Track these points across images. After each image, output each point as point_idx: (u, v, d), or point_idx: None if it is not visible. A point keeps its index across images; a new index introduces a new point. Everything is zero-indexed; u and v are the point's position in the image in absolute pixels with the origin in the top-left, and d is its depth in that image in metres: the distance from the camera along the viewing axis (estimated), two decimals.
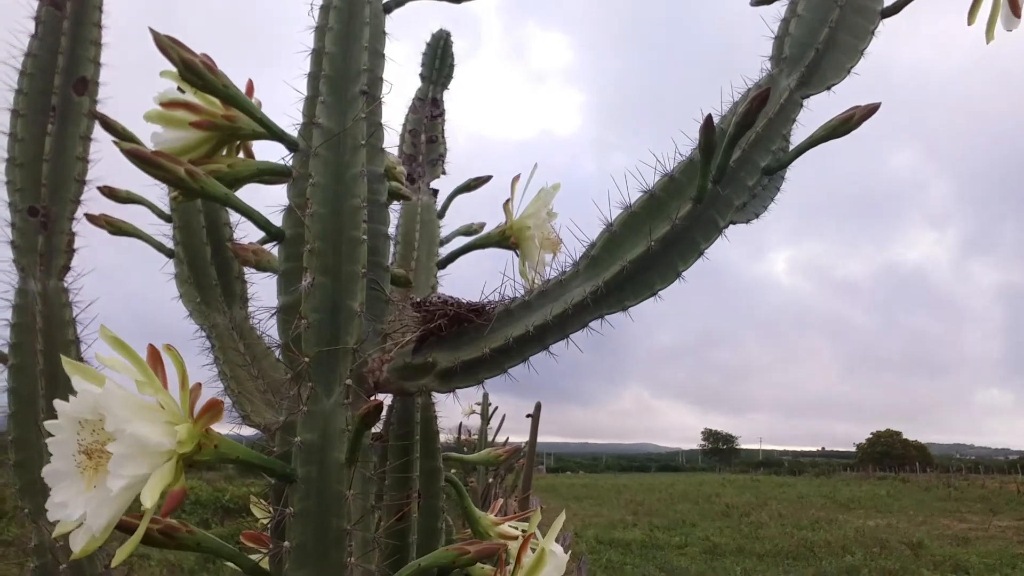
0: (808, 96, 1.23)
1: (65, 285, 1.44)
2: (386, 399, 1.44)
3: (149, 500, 0.72)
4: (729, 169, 1.14)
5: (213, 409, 0.82)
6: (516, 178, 1.51)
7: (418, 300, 1.09)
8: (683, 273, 1.14)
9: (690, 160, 1.16)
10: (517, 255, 1.52)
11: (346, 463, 1.01)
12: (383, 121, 1.17)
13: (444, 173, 1.88)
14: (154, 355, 0.84)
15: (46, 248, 1.42)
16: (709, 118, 1.03)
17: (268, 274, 1.27)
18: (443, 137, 1.94)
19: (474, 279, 1.28)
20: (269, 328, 1.30)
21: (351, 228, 1.06)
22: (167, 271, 1.45)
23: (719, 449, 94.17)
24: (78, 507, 0.76)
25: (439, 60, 2.01)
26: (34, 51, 1.51)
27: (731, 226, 1.27)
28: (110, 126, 1.35)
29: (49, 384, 1.30)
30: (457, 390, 1.10)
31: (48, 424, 0.81)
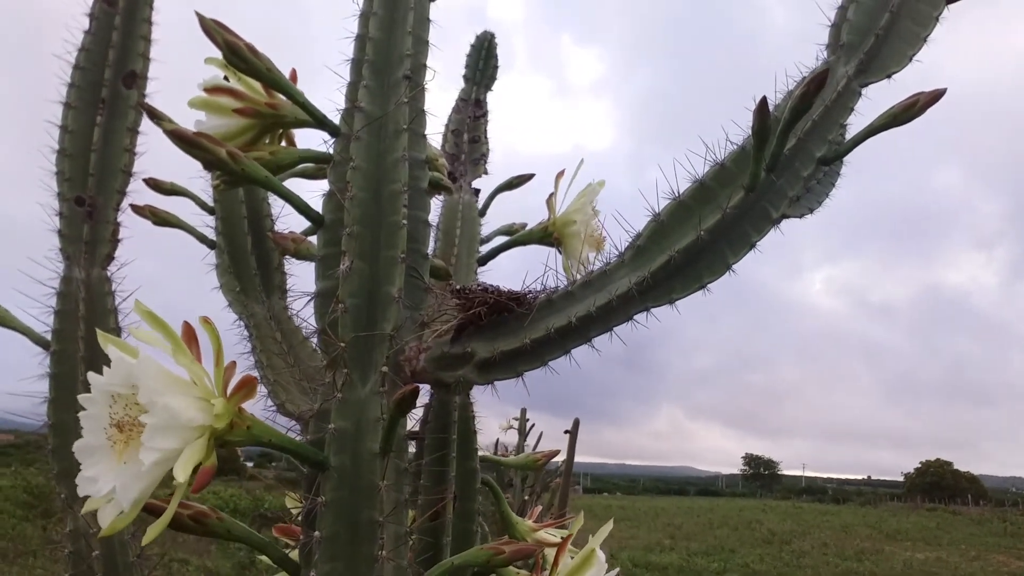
0: (867, 84, 1.17)
1: (108, 274, 1.45)
2: (423, 392, 1.42)
3: (182, 474, 0.70)
4: (783, 157, 1.09)
5: (247, 386, 0.80)
6: (561, 173, 1.47)
7: (458, 287, 1.06)
8: (733, 266, 1.09)
9: (742, 149, 1.12)
10: (560, 252, 1.49)
11: (380, 453, 0.98)
12: (425, 108, 1.15)
13: (486, 173, 1.87)
14: (189, 332, 0.83)
15: (91, 237, 1.43)
16: (764, 100, 0.99)
17: (307, 265, 1.27)
18: (486, 137, 1.92)
19: (514, 276, 1.25)
20: (307, 318, 1.29)
21: (391, 213, 1.04)
22: (208, 262, 1.46)
23: (760, 474, 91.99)
24: (108, 481, 0.75)
25: (483, 61, 2.01)
26: (87, 46, 1.53)
27: (784, 220, 1.22)
28: (155, 115, 1.36)
29: (90, 371, 1.31)
30: (496, 382, 1.07)
31: (81, 398, 0.80)
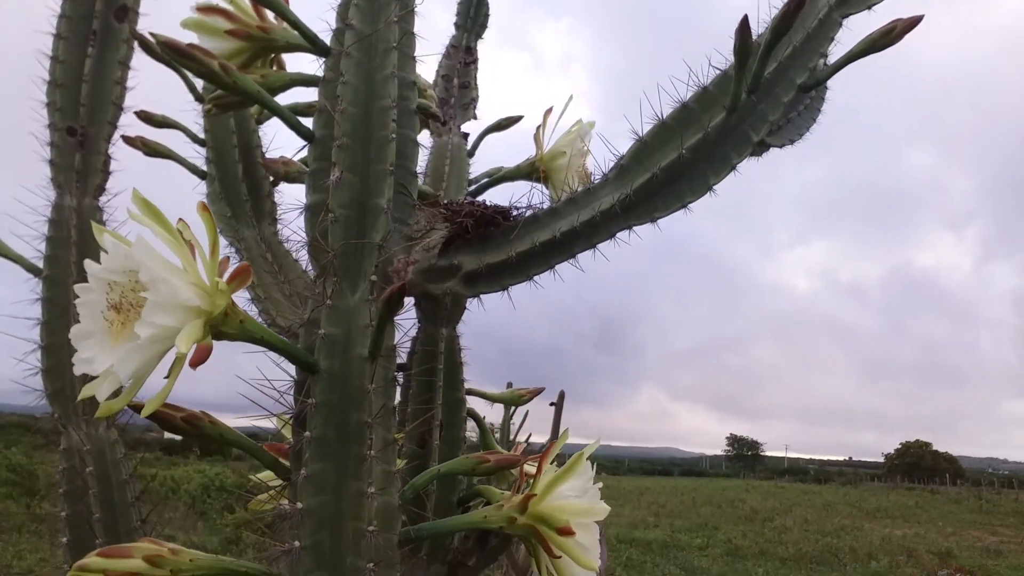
0: (848, 15, 1.20)
1: (100, 204, 1.46)
2: (411, 324, 1.45)
3: (184, 345, 0.72)
4: (764, 81, 1.12)
5: (242, 275, 0.82)
6: (549, 110, 1.50)
7: (446, 201, 1.09)
8: (714, 187, 1.13)
9: (724, 74, 1.15)
10: (546, 188, 1.51)
11: (369, 358, 1.01)
12: (415, 30, 1.17)
13: (475, 118, 1.89)
14: (182, 224, 0.85)
15: (82, 167, 1.44)
16: (745, 19, 1.01)
17: (296, 205, 1.28)
18: (475, 83, 1.94)
19: None
20: (296, 244, 1.31)
21: (380, 128, 1.06)
22: (199, 192, 1.48)
23: (743, 455, 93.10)
24: (105, 360, 0.77)
25: (474, 9, 2.02)
26: None
27: (766, 148, 1.26)
28: (147, 45, 1.37)
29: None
30: (481, 295, 1.10)
31: (78, 287, 0.83)
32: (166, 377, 0.81)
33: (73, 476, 1.28)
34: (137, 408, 0.83)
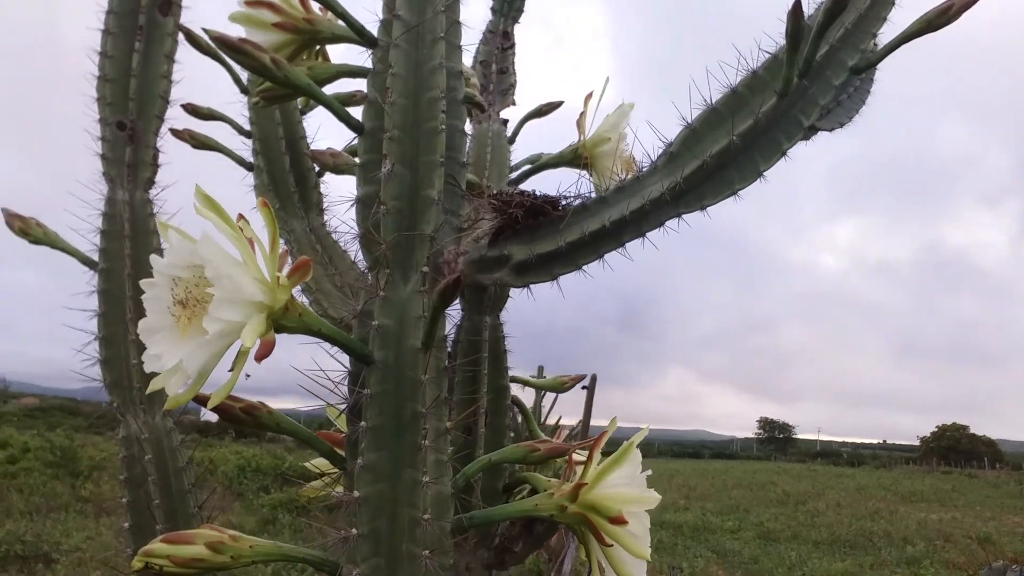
0: None
1: (150, 197, 1.49)
2: (455, 313, 1.45)
3: (249, 339, 0.74)
4: (815, 64, 1.10)
5: (302, 268, 0.83)
6: (589, 95, 1.49)
7: (495, 191, 1.09)
8: (764, 173, 1.11)
9: (774, 57, 1.13)
10: (590, 175, 1.51)
11: (422, 349, 1.02)
12: (461, 20, 1.17)
13: (514, 103, 1.88)
14: (242, 220, 0.86)
15: (133, 160, 1.47)
16: (798, 1, 1.00)
17: (344, 197, 1.29)
18: (513, 68, 1.93)
19: None
20: (345, 236, 1.33)
21: (429, 119, 1.07)
22: (247, 183, 1.50)
23: (775, 438, 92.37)
24: (174, 356, 0.79)
25: None
26: None
27: (816, 132, 1.24)
28: (191, 38, 1.39)
29: (135, 287, 1.36)
30: (531, 285, 1.10)
31: (144, 282, 0.84)
32: (230, 370, 0.83)
33: (132, 464, 1.32)
34: (203, 401, 0.86)
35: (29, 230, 1.45)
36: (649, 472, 1.17)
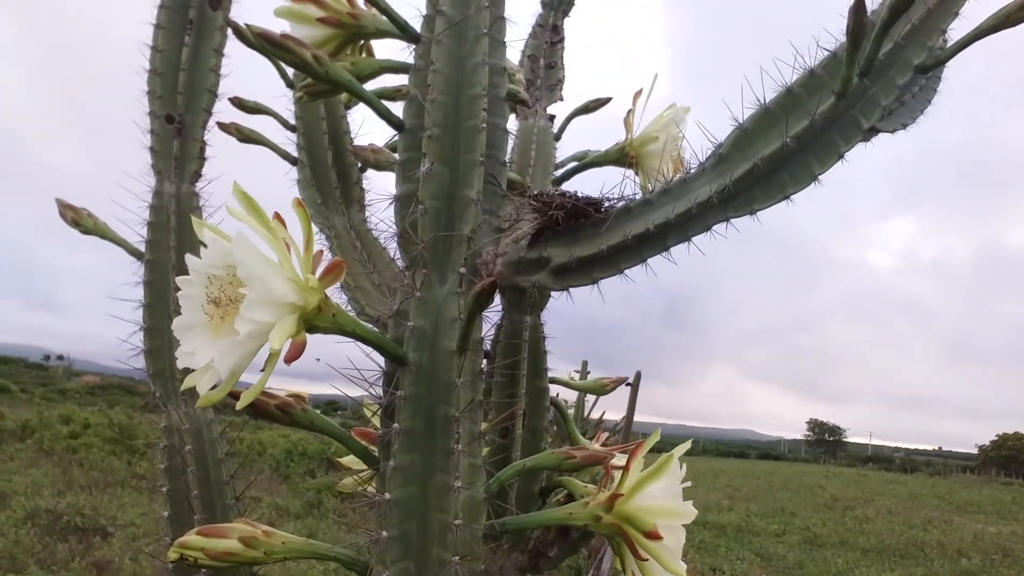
0: None
1: (196, 190, 1.51)
2: (494, 313, 1.43)
3: (277, 342, 0.73)
4: (878, 63, 1.04)
5: (335, 270, 0.82)
6: (638, 92, 1.45)
7: (535, 192, 1.06)
8: (819, 176, 1.06)
9: (833, 55, 1.07)
10: (636, 175, 1.47)
11: (457, 351, 1.01)
12: (505, 15, 1.14)
13: (562, 99, 1.84)
14: (278, 220, 0.85)
15: (180, 153, 1.49)
16: None
17: (385, 194, 1.28)
18: (562, 63, 1.90)
19: None
20: (385, 233, 1.32)
21: (470, 117, 1.04)
22: (291, 177, 1.50)
23: (825, 441, 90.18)
24: (206, 354, 0.79)
25: None
26: None
27: (876, 134, 1.17)
28: (240, 32, 1.39)
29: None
30: (571, 288, 1.07)
31: (179, 279, 0.84)
32: (262, 370, 0.82)
33: (173, 454, 1.34)
34: (235, 397, 0.85)
35: (80, 220, 1.48)
36: (688, 483, 1.13)
